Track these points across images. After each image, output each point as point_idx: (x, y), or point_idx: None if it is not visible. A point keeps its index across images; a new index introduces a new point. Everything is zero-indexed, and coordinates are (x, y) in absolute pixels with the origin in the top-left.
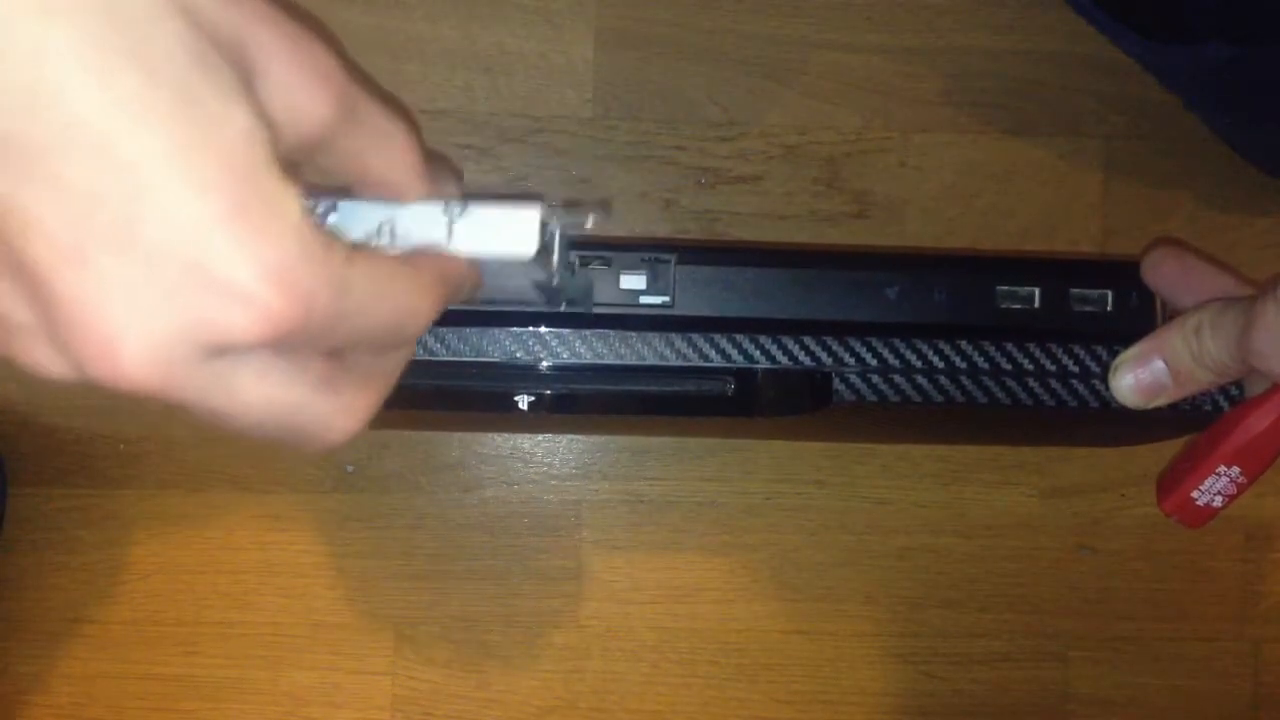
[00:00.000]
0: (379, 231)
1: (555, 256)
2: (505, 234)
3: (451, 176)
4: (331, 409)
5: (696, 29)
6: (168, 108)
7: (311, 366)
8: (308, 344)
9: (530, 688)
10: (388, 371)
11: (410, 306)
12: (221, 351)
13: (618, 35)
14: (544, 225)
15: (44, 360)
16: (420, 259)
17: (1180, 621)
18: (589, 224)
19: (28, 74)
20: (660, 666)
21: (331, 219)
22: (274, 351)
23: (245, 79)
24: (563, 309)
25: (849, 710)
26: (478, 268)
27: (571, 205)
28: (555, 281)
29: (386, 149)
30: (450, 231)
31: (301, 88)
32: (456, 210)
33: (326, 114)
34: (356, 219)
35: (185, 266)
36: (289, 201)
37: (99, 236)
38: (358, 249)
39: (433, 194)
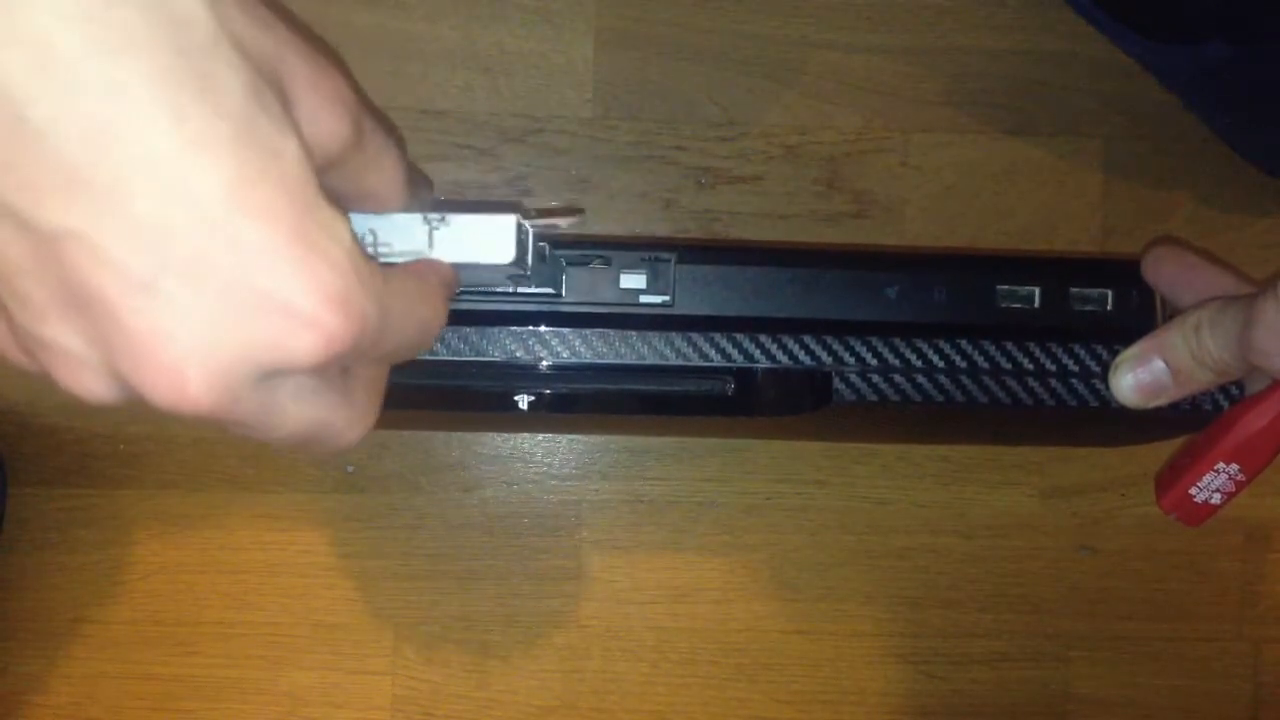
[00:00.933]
0: (362, 242)
1: (529, 257)
2: (483, 242)
3: (424, 183)
4: (349, 418)
5: (696, 29)
6: (231, 141)
7: (334, 381)
8: (345, 361)
9: (530, 688)
10: (385, 375)
11: (432, 317)
12: (278, 374)
13: (618, 35)
14: (519, 231)
15: (93, 386)
16: (424, 268)
17: (1180, 621)
18: (563, 226)
19: (103, 110)
20: (660, 666)
21: None
22: (312, 371)
23: (285, 106)
24: (532, 289)
25: (849, 710)
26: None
27: (545, 211)
28: (527, 274)
29: (383, 166)
30: (431, 240)
31: (326, 112)
32: (436, 220)
33: (346, 137)
34: None
35: (250, 294)
36: (340, 226)
37: (168, 267)
38: (387, 267)
39: (411, 203)
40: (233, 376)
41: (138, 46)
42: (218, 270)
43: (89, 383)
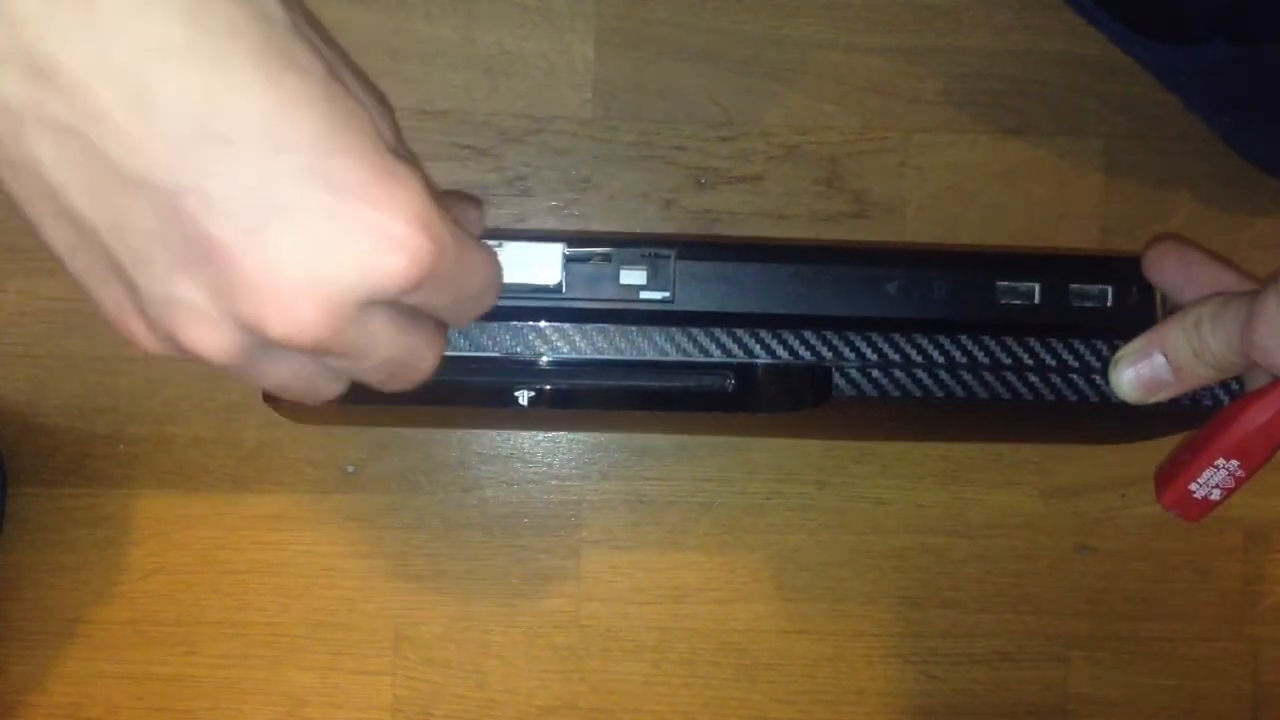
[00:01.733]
0: None
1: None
2: (533, 267)
3: (472, 207)
4: (430, 353)
5: (696, 29)
6: (318, 100)
7: (419, 317)
8: (427, 293)
9: (530, 688)
10: (446, 328)
11: (491, 278)
12: (375, 298)
13: (618, 35)
14: (564, 258)
15: (216, 339)
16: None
17: (1180, 621)
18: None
19: (213, 81)
20: (660, 666)
21: None
22: (402, 292)
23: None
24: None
25: (849, 710)
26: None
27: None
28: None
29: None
30: None
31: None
32: (494, 245)
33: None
34: None
35: (346, 226)
36: (413, 170)
37: (276, 210)
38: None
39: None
40: (338, 302)
41: (236, 31)
42: (318, 208)
43: (213, 336)
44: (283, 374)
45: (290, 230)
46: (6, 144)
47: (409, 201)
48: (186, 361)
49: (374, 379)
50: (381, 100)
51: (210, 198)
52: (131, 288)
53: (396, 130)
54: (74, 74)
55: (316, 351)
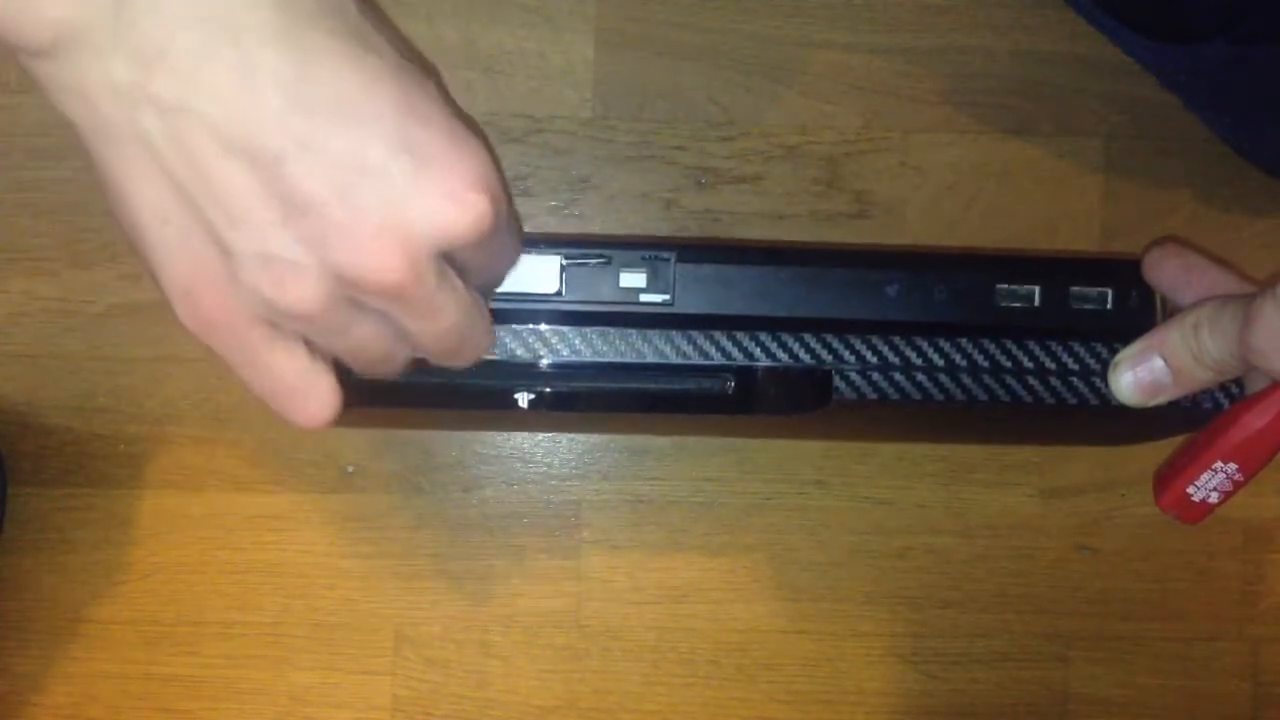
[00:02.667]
0: None
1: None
2: (534, 276)
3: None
4: (486, 320)
5: (696, 29)
6: (394, 75)
7: (471, 289)
8: (481, 250)
9: (530, 688)
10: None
11: (514, 251)
12: (449, 248)
13: (618, 35)
14: (561, 268)
15: (309, 289)
16: None
17: (1180, 621)
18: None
19: (305, 57)
20: (660, 666)
21: None
22: (469, 245)
23: None
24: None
25: (849, 710)
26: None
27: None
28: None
29: None
30: None
31: None
32: None
33: None
34: None
35: (426, 184)
36: (474, 134)
37: (365, 169)
38: None
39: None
40: (420, 249)
41: (320, 17)
42: (401, 169)
43: (307, 285)
44: (363, 330)
45: (378, 187)
46: (114, 123)
47: (475, 165)
48: (212, 349)
49: (444, 346)
50: (431, 68)
51: (307, 161)
52: (224, 251)
53: (446, 92)
54: (183, 57)
55: (398, 298)
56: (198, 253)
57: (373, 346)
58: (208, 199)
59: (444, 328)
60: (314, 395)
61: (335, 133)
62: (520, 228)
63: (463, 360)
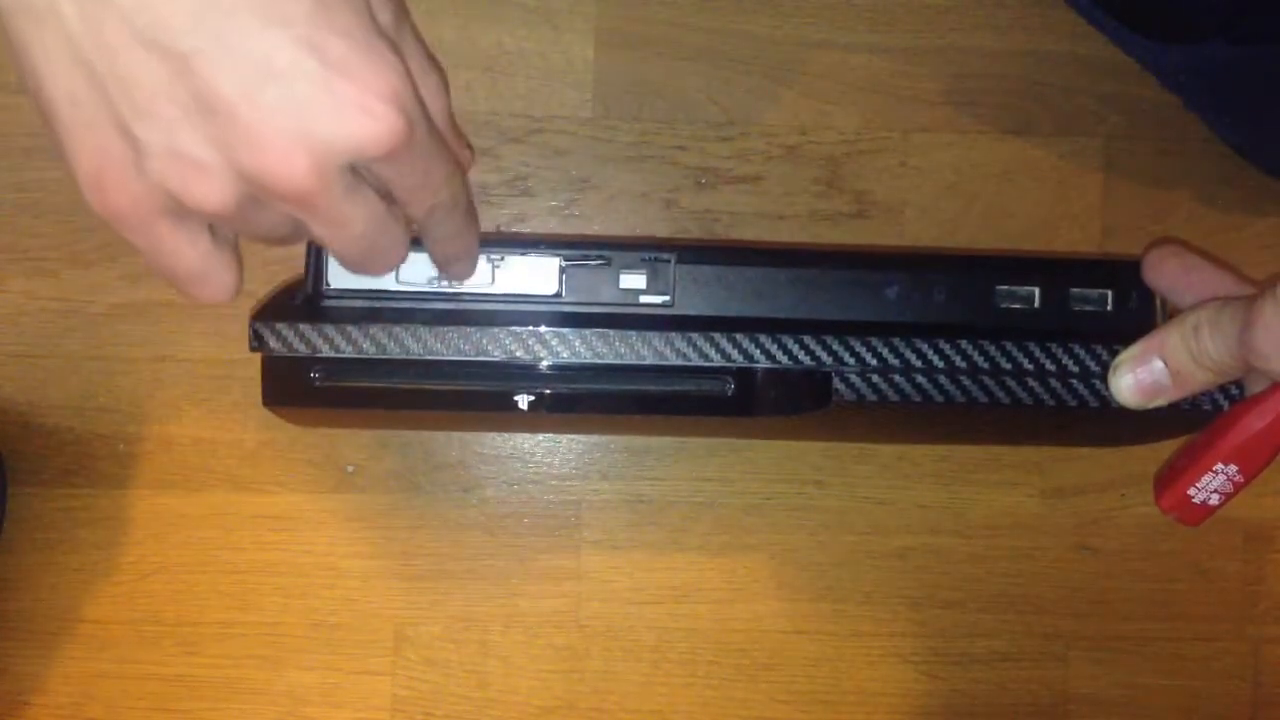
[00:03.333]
0: (438, 275)
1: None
2: (534, 277)
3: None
4: (397, 236)
5: (696, 29)
6: None
7: (393, 203)
8: (398, 168)
9: (530, 688)
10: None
11: (454, 172)
12: (356, 160)
13: (618, 35)
14: (561, 270)
15: (215, 189)
16: (453, 141)
17: (1180, 621)
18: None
19: None
20: (660, 666)
21: (403, 265)
22: (379, 159)
23: None
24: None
25: (849, 710)
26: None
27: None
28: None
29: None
30: (493, 276)
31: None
32: (497, 259)
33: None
34: (422, 266)
35: (335, 92)
36: (393, 52)
37: (275, 74)
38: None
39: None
40: (326, 158)
41: None
42: (309, 76)
43: (212, 185)
44: (269, 222)
45: (285, 92)
46: None
47: (390, 79)
48: (161, 273)
49: (350, 253)
50: (437, 65)
51: (217, 60)
52: (132, 141)
53: (400, 16)
54: None
55: (304, 205)
56: (106, 140)
57: (278, 234)
58: (117, 87)
59: (350, 237)
60: (214, 279)
61: (248, 34)
62: (468, 158)
63: (370, 272)
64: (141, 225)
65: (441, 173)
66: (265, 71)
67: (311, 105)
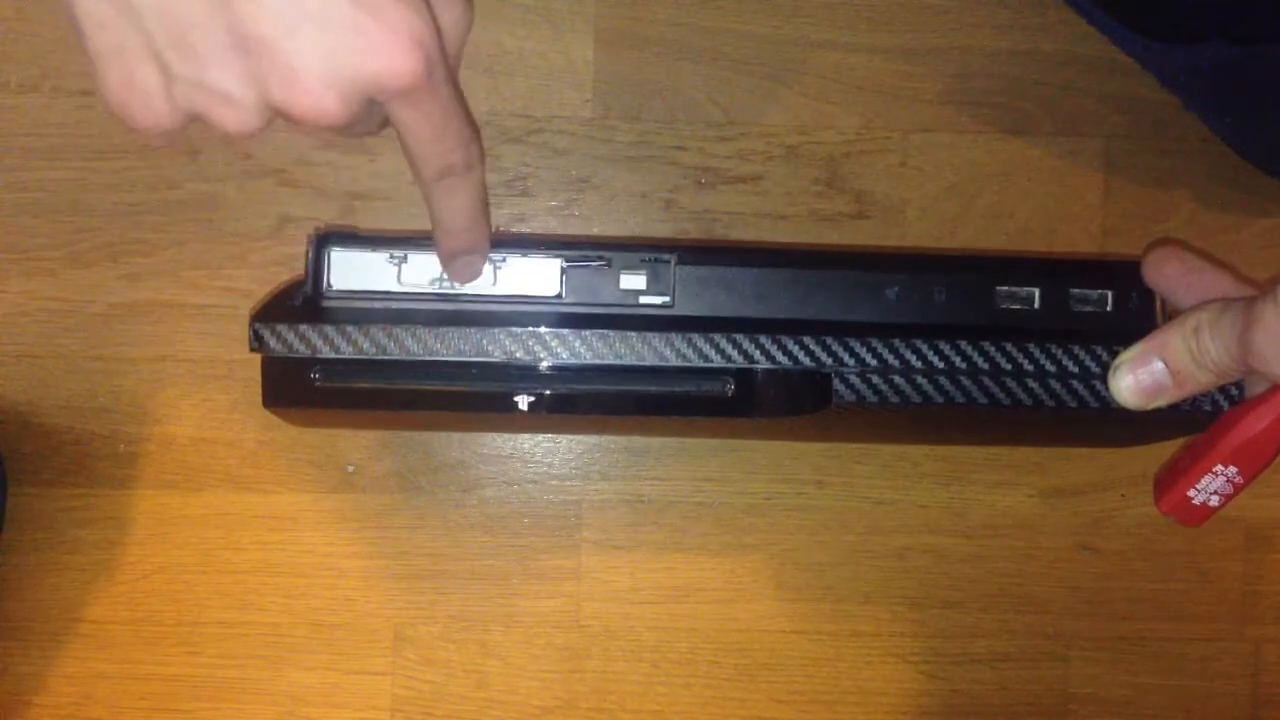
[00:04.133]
0: (441, 277)
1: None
2: (536, 279)
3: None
4: None
5: (696, 29)
6: None
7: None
8: (414, 111)
9: (530, 688)
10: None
11: (469, 133)
12: (377, 95)
13: (618, 35)
14: (562, 272)
15: (245, 119)
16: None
17: (1180, 621)
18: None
19: None
20: (660, 666)
21: (404, 266)
22: (397, 96)
23: None
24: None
25: (849, 710)
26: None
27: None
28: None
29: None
30: (495, 278)
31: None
32: (497, 260)
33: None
34: (422, 268)
35: (362, 34)
36: (424, 6)
37: (308, 15)
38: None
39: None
40: (351, 95)
41: None
42: (341, 19)
43: (239, 116)
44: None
45: (318, 33)
46: None
47: (413, 26)
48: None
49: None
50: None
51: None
52: (163, 66)
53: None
54: None
55: (326, 131)
56: (135, 62)
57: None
58: (155, 17)
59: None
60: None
61: None
62: (470, 127)
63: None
64: (161, 133)
65: (456, 127)
66: (300, 12)
67: (341, 43)
